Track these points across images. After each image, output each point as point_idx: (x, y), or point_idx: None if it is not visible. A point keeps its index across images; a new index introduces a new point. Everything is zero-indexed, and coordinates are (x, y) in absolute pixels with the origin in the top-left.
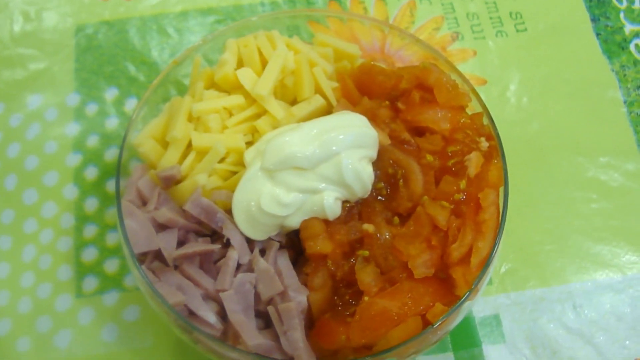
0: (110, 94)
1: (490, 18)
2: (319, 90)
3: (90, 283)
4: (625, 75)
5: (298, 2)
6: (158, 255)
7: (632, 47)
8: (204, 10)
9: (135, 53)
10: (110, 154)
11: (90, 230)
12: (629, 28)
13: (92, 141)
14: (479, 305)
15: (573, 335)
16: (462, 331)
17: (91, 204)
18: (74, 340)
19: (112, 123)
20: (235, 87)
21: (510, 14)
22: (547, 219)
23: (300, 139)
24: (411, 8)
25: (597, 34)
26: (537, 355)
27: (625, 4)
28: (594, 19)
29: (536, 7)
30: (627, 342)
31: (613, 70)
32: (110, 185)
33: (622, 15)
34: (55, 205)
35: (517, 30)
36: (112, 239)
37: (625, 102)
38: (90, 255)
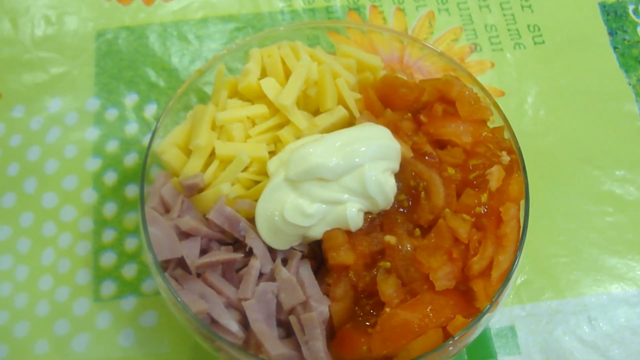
0: (130, 100)
1: (509, 30)
2: (341, 102)
3: (108, 287)
4: None
5: (318, 11)
6: (181, 263)
7: None
8: (225, 17)
9: (155, 59)
10: (130, 159)
11: (108, 235)
12: None
13: (112, 146)
14: (495, 317)
15: (588, 348)
16: (478, 342)
17: (110, 209)
18: (91, 344)
19: (132, 128)
20: (258, 97)
21: (528, 26)
22: (563, 231)
23: (324, 150)
24: (430, 19)
25: (614, 48)
26: None
27: None
28: (611, 33)
29: (554, 20)
30: None
31: (630, 84)
32: (129, 190)
33: (639, 29)
34: (74, 209)
35: (535, 43)
36: (131, 244)
37: None
38: (108, 259)
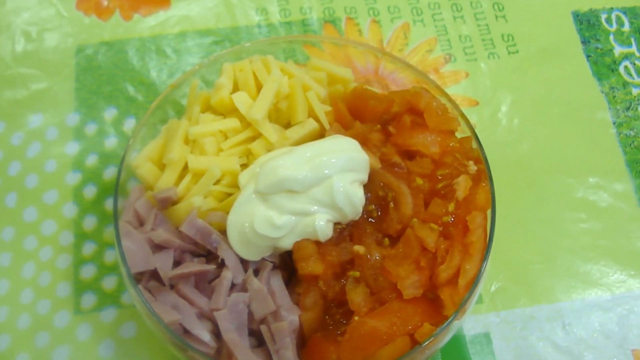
0: (110, 114)
1: (483, 40)
2: (312, 114)
3: (89, 300)
4: (614, 96)
5: (294, 24)
6: (154, 274)
7: (621, 69)
8: (202, 31)
9: (134, 73)
10: (109, 173)
11: (89, 248)
12: (618, 50)
13: (92, 160)
14: (470, 324)
15: (562, 354)
16: (453, 349)
17: (90, 222)
18: (72, 356)
19: (111, 142)
20: (230, 111)
21: (502, 36)
22: (537, 238)
23: (293, 162)
24: (405, 30)
25: (588, 56)
26: None
27: (615, 26)
28: (585, 41)
29: (528, 30)
30: None
31: (602, 92)
32: (109, 204)
33: (611, 37)
34: (55, 223)
35: (509, 52)
36: (110, 256)
37: (614, 123)
38: (88, 272)
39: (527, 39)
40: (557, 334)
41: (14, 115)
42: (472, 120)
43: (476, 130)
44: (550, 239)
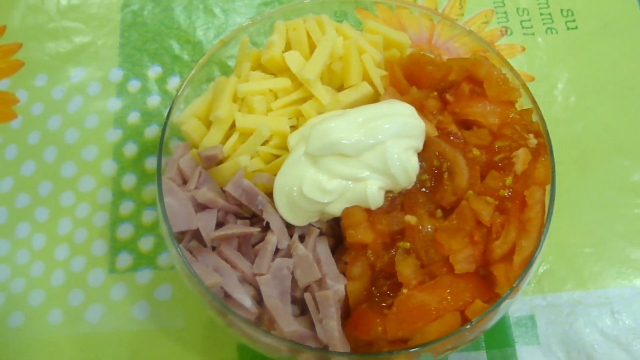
0: (154, 72)
1: (541, 14)
2: (366, 78)
3: (124, 259)
4: None
5: None
6: (196, 235)
7: None
8: None
9: (180, 32)
10: (151, 131)
11: (126, 207)
12: None
13: (133, 117)
14: (515, 305)
15: (609, 342)
16: (496, 330)
17: (129, 181)
18: (104, 316)
19: (154, 101)
20: (282, 70)
21: (562, 11)
22: (588, 221)
23: (346, 125)
24: (461, 0)
25: None
26: (571, 359)
27: None
28: None
29: (588, 5)
30: None
31: None
32: (149, 163)
33: None
34: (93, 180)
35: (568, 28)
36: (148, 216)
37: None
38: (125, 231)
39: (587, 14)
40: (604, 321)
41: (56, 68)
42: None
43: None
44: (601, 222)
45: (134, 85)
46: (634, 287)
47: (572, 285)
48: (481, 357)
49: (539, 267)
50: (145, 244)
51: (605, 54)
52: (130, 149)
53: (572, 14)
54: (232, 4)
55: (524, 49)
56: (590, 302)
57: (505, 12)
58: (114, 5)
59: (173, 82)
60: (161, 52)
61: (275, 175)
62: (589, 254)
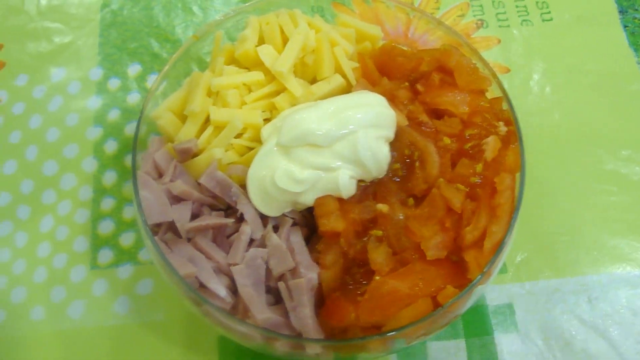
0: (133, 70)
1: (516, 6)
2: (339, 70)
3: (106, 255)
4: None
5: None
6: (171, 227)
7: None
8: None
9: (159, 30)
10: (131, 129)
11: (107, 203)
12: None
13: (113, 115)
14: (493, 294)
15: (587, 328)
16: (475, 318)
17: (110, 177)
18: (87, 311)
19: (134, 98)
20: (255, 64)
21: (537, 3)
22: (564, 209)
23: (318, 116)
24: None
25: (625, 26)
26: (549, 346)
27: None
28: (622, 11)
29: None
30: None
31: (638, 63)
32: (129, 160)
33: None
34: (75, 178)
35: (543, 20)
36: (129, 212)
37: None
38: (106, 227)
39: (562, 6)
40: (582, 308)
41: (37, 68)
42: None
43: None
44: (578, 211)
45: (114, 84)
46: (610, 273)
47: (550, 273)
48: (460, 346)
49: (517, 256)
50: (126, 239)
51: (580, 45)
52: (111, 146)
53: (547, 6)
54: (210, 2)
55: (499, 41)
56: (567, 289)
57: (480, 5)
58: (93, 5)
59: (152, 80)
60: (140, 51)
61: (249, 167)
62: (565, 242)
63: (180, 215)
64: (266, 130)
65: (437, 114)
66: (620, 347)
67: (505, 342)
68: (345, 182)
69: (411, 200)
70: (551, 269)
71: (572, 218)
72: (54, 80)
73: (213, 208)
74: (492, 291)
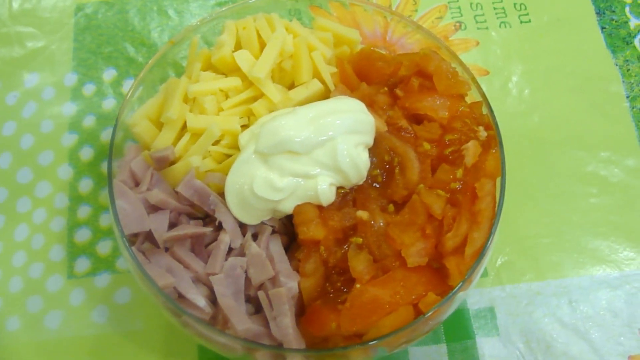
0: (109, 75)
1: (495, 8)
2: (317, 75)
3: (83, 264)
4: (628, 70)
5: None
6: (149, 236)
7: (636, 42)
8: None
9: (134, 34)
10: (106, 135)
11: (84, 211)
12: (634, 22)
13: (89, 121)
14: (474, 297)
15: (568, 330)
16: (456, 323)
17: (85, 185)
18: (64, 321)
19: (109, 104)
20: (232, 70)
21: (515, 4)
22: (545, 212)
23: (296, 122)
24: None
25: (602, 28)
26: (530, 349)
27: None
28: (599, 12)
29: None
30: (622, 339)
31: (617, 65)
32: (105, 166)
33: (627, 9)
34: (50, 185)
35: (521, 22)
36: (106, 220)
37: (627, 97)
38: (83, 236)
39: (540, 8)
40: (563, 310)
41: (10, 74)
42: None
43: None
44: (558, 213)
45: (89, 89)
46: (591, 276)
47: (531, 276)
48: (441, 351)
49: (498, 259)
50: (104, 248)
51: (559, 47)
52: (87, 153)
53: (525, 8)
54: (186, 5)
55: (478, 43)
56: (548, 292)
57: (459, 7)
58: (67, 9)
59: (128, 85)
60: (116, 55)
61: (227, 175)
62: (546, 245)
63: (158, 225)
64: (244, 137)
65: (417, 119)
66: (601, 349)
67: (486, 346)
68: (324, 189)
69: (391, 207)
70: (532, 272)
71: (553, 220)
72: (27, 86)
73: (191, 217)
74: (473, 295)
